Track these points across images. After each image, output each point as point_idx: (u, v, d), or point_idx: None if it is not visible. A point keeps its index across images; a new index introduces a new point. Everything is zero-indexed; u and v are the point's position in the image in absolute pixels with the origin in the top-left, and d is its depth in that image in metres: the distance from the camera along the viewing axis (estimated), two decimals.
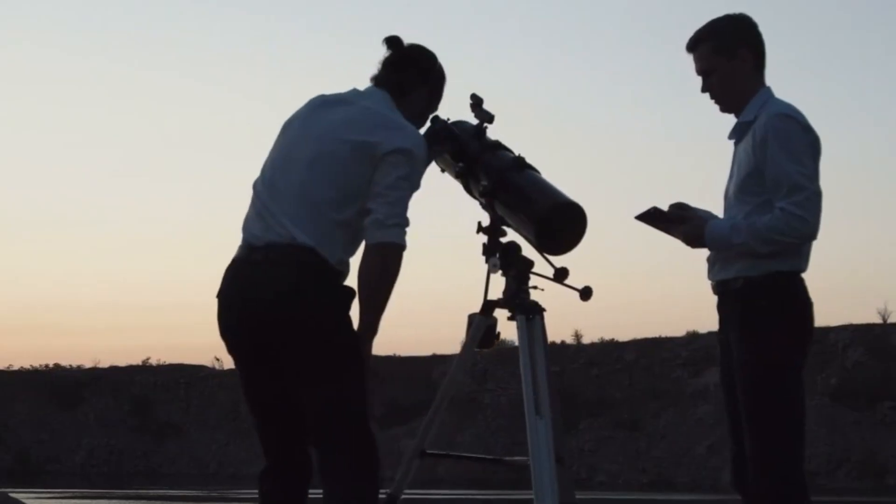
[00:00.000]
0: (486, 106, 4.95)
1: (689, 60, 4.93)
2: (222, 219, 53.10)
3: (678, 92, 50.26)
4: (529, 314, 4.79)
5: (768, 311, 4.76)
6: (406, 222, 4.49)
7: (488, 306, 4.87)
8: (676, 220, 4.90)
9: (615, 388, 34.26)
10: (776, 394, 4.75)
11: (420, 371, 37.38)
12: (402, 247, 4.47)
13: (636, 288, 40.78)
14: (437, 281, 46.78)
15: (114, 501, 24.20)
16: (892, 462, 27.21)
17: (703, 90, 4.96)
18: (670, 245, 4.78)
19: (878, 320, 33.52)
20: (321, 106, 4.73)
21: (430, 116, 4.93)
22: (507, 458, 5.14)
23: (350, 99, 4.71)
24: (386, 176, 4.46)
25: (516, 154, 4.91)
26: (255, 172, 4.74)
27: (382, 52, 4.86)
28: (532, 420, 4.67)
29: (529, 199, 4.76)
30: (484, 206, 4.91)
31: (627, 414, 33.12)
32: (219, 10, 53.39)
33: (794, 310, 4.81)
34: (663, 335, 35.56)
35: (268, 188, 4.66)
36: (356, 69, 4.92)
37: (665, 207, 4.90)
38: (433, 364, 38.25)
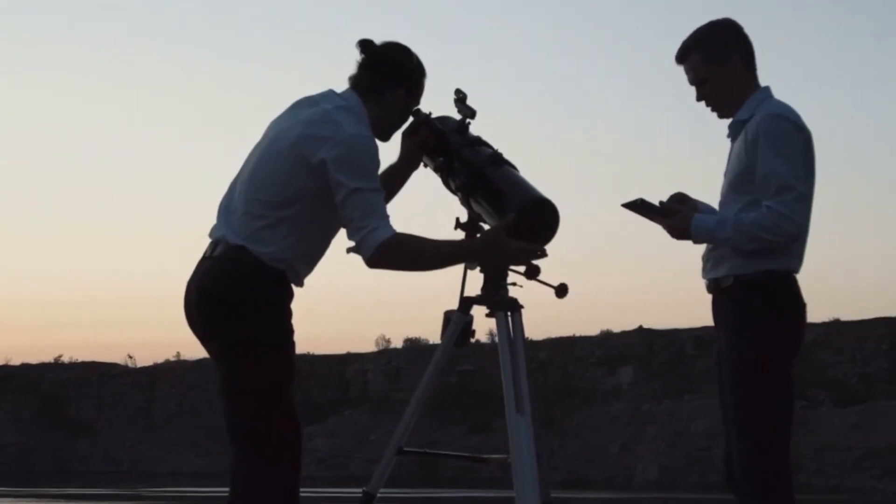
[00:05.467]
0: (469, 102, 4.93)
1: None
2: (139, 215, 52.71)
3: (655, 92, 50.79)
4: (509, 310, 4.78)
5: (758, 309, 4.77)
6: (366, 224, 4.49)
7: (466, 303, 4.84)
8: (662, 212, 4.91)
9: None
10: (764, 393, 4.76)
11: (334, 370, 37.37)
12: (383, 245, 4.47)
13: (534, 288, 40.86)
14: (352, 279, 46.66)
15: (23, 501, 23.79)
16: (805, 460, 27.54)
17: (699, 99, 4.95)
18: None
19: None
20: (293, 107, 4.75)
21: (413, 110, 4.91)
22: (487, 456, 5.12)
23: (317, 100, 4.71)
24: (336, 197, 4.51)
25: (495, 150, 4.88)
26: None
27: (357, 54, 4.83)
28: (513, 417, 4.65)
29: (503, 195, 4.72)
30: (462, 202, 4.88)
31: (541, 412, 33.00)
32: (217, 12, 53.25)
33: (785, 309, 4.82)
34: (577, 334, 35.85)
35: (230, 187, 4.74)
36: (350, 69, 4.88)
37: (657, 201, 4.91)
38: (347, 362, 38.25)
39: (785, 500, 4.77)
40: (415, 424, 4.91)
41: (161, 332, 51.76)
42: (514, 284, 4.81)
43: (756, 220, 4.69)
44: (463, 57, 50.93)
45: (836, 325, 31.32)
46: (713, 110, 4.99)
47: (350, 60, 4.83)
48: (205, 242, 4.73)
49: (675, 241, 4.95)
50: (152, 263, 54.34)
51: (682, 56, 4.97)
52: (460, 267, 4.82)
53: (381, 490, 4.88)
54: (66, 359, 40.68)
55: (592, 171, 50.49)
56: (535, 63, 55.15)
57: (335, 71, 4.85)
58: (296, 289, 4.67)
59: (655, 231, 5.03)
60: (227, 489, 4.61)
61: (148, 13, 54.61)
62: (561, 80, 54.77)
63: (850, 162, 46.00)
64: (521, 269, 4.74)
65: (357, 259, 4.58)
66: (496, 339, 4.86)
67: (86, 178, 54.26)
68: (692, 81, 4.96)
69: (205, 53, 54.79)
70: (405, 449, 4.88)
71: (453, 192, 4.94)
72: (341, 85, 4.81)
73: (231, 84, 54.60)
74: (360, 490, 4.92)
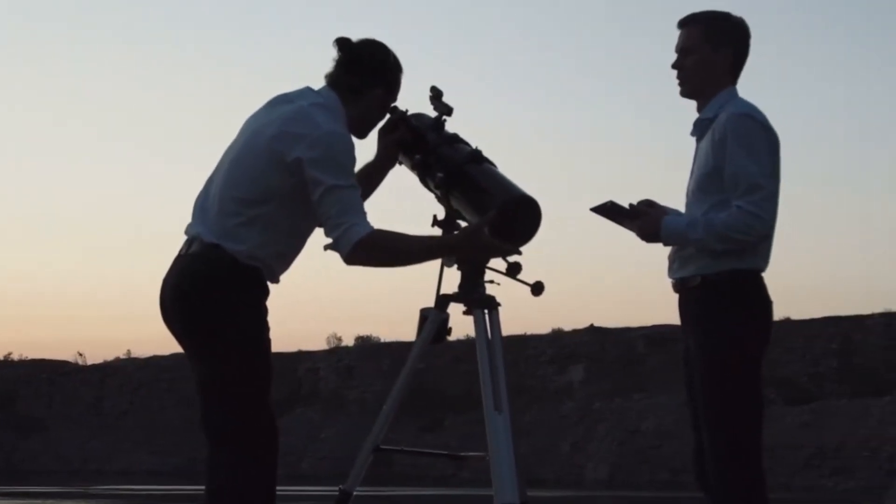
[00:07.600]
0: (445, 99, 4.95)
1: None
2: (89, 213, 52.37)
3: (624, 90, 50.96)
4: (486, 308, 4.80)
5: (727, 309, 4.81)
6: (344, 221, 4.50)
7: (442, 301, 4.85)
8: (632, 215, 4.96)
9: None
10: (735, 393, 4.81)
11: (285, 368, 37.21)
12: (361, 241, 4.49)
13: (502, 284, 40.78)
14: (302, 276, 46.52)
15: None
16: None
17: (674, 66, 5.03)
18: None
19: None
20: (268, 104, 4.77)
21: (390, 107, 4.92)
22: (464, 454, 5.15)
23: (293, 97, 4.72)
24: (313, 195, 4.53)
25: (474, 147, 4.90)
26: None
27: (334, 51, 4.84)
28: (491, 415, 4.69)
29: (485, 193, 4.72)
30: (439, 199, 4.89)
31: None
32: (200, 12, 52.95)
33: (753, 308, 4.87)
34: (529, 332, 35.84)
35: (205, 185, 4.76)
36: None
37: (626, 204, 4.94)
38: (299, 360, 38.10)
39: (758, 500, 4.82)
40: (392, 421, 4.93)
41: (111, 330, 51.53)
42: (491, 282, 4.84)
43: (727, 221, 4.74)
44: (435, 54, 50.92)
45: (786, 324, 31.48)
46: (680, 84, 5.06)
47: (328, 58, 4.84)
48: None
49: (637, 240, 5.01)
50: (103, 261, 54.03)
51: (686, 21, 5.06)
52: (433, 265, 4.84)
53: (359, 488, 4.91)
54: (15, 356, 40.41)
55: (545, 169, 50.54)
56: (491, 59, 55.21)
57: (320, 69, 4.88)
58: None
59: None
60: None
61: (148, 14, 54.23)
62: (521, 77, 54.87)
63: (801, 161, 46.26)
64: (503, 266, 4.77)
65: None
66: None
67: (34, 174, 53.85)
68: (679, 48, 5.04)
69: (200, 54, 54.46)
70: (381, 447, 4.90)
71: (431, 189, 4.96)
72: (320, 83, 4.83)
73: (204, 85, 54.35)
74: (335, 488, 4.95)
